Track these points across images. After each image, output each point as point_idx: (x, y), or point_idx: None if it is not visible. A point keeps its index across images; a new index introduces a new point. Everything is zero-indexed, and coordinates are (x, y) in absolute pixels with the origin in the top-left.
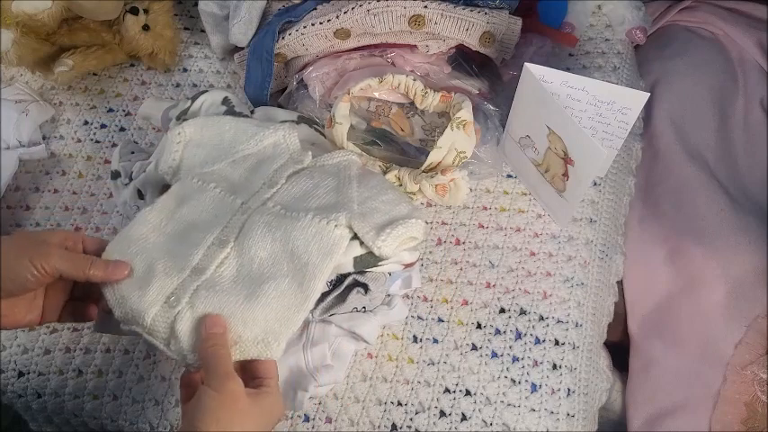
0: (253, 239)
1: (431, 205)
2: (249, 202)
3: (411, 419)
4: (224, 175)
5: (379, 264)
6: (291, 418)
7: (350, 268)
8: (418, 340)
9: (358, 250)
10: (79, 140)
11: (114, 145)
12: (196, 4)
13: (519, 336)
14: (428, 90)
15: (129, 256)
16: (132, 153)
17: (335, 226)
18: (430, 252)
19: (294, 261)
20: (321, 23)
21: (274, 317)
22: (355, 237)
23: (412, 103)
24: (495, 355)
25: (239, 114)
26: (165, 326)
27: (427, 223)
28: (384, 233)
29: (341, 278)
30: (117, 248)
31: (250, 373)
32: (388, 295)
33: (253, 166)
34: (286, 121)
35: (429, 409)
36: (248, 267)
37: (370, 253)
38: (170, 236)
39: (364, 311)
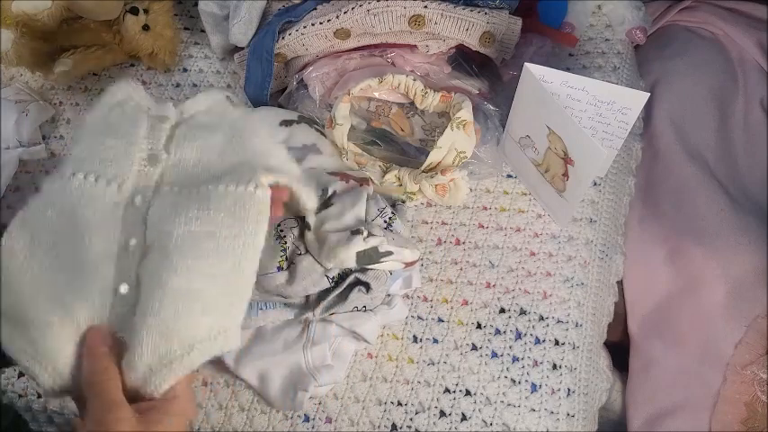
0: (165, 231)
1: (431, 205)
2: (135, 189)
3: (411, 419)
4: (77, 155)
5: (382, 260)
6: (291, 418)
7: (352, 264)
8: (418, 340)
9: (361, 245)
10: None
11: None
12: (196, 4)
13: (519, 336)
14: (428, 90)
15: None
16: None
17: (255, 187)
18: (430, 252)
19: (218, 240)
20: (321, 23)
21: (217, 310)
22: (357, 232)
23: (412, 103)
24: (495, 355)
25: None
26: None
27: (427, 223)
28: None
29: (342, 276)
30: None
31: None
32: (389, 295)
33: (102, 131)
34: None
35: (429, 409)
36: (166, 264)
37: (374, 248)
38: (49, 266)
39: (365, 311)
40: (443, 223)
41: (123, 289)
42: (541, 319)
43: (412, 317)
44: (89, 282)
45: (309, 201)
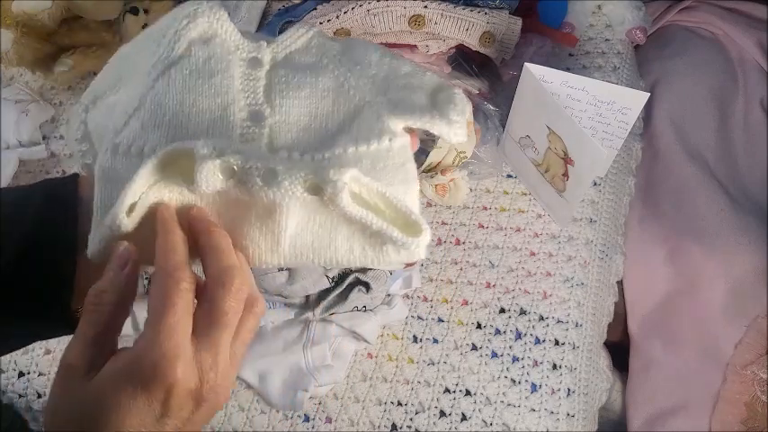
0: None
1: (431, 205)
2: (246, 160)
3: (411, 419)
4: (159, 119)
5: None
6: (291, 418)
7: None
8: (418, 340)
9: None
10: None
11: None
12: None
13: (519, 336)
14: None
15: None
16: None
17: (390, 140)
18: (430, 252)
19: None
20: (321, 23)
21: None
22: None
23: None
24: (495, 355)
25: None
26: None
27: (427, 223)
28: (451, 115)
29: (342, 276)
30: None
31: None
32: (389, 295)
33: (189, 86)
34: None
35: (429, 409)
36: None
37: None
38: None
39: (365, 311)
40: (443, 223)
41: None
42: (541, 319)
43: (412, 317)
44: None
45: (449, 134)
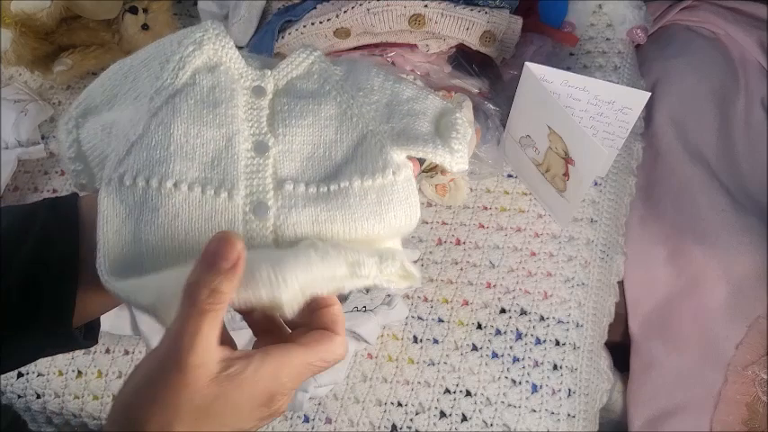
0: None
1: (431, 205)
2: (249, 194)
3: (411, 420)
4: (164, 148)
5: None
6: (291, 418)
7: None
8: (418, 340)
9: None
10: None
11: None
12: (195, 4)
13: (519, 336)
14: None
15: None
16: None
17: (393, 173)
18: (430, 252)
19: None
20: (321, 23)
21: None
22: None
23: None
24: (495, 355)
25: None
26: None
27: (427, 223)
28: (453, 144)
29: None
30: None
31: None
32: (389, 295)
33: (195, 118)
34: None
35: (429, 409)
36: None
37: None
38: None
39: (365, 311)
40: (443, 223)
41: None
42: (542, 319)
43: (412, 317)
44: None
45: (451, 163)
